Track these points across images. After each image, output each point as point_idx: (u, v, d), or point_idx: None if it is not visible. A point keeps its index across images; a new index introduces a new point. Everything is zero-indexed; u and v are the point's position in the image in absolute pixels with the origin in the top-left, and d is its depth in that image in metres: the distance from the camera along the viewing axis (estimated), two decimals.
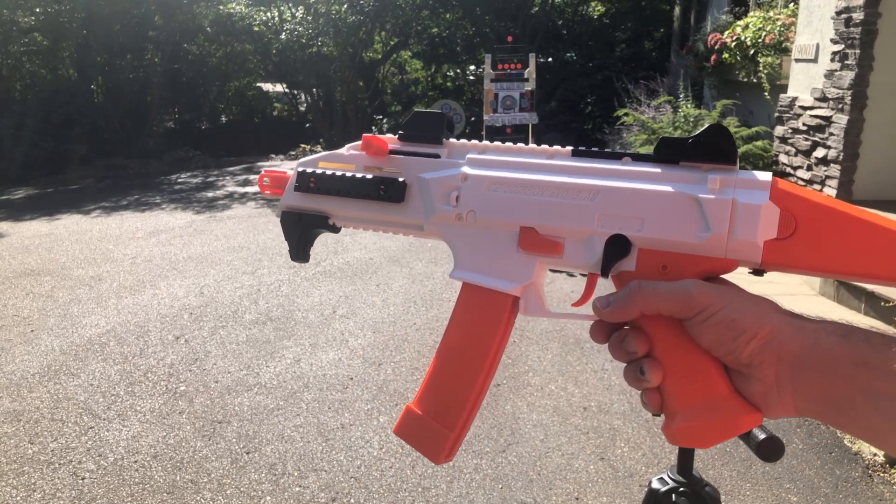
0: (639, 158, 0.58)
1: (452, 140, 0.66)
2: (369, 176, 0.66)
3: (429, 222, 0.64)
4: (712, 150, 0.54)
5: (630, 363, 0.55)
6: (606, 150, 0.60)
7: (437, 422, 0.61)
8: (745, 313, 0.50)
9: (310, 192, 0.69)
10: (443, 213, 0.63)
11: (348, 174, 0.67)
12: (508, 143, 0.64)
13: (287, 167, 0.73)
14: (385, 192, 0.65)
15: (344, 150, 0.70)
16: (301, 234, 0.70)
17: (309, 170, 0.69)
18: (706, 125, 0.56)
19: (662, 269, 0.55)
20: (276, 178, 0.72)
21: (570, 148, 0.61)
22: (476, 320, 0.62)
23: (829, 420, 0.49)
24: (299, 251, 0.71)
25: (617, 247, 0.56)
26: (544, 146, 0.62)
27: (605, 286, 0.58)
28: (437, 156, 0.65)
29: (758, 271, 0.55)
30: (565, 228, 0.58)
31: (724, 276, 0.55)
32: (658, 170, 0.56)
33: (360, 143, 0.68)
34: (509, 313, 0.61)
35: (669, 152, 0.56)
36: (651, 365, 0.53)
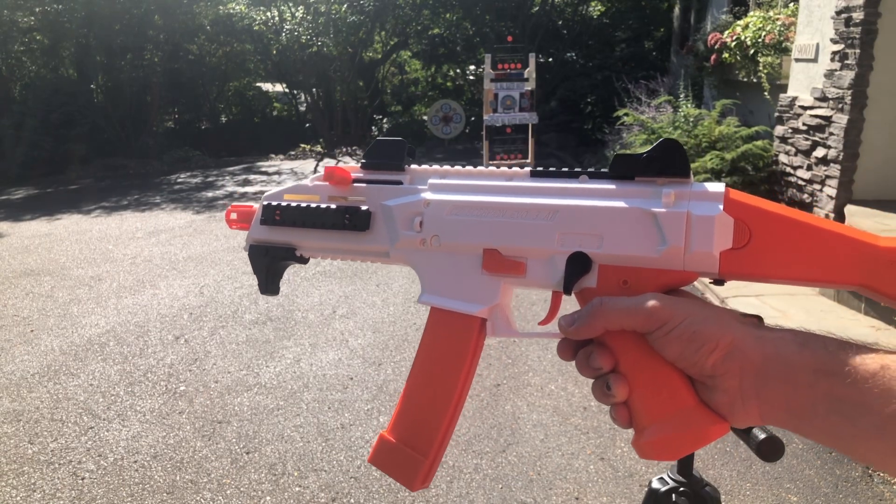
0: (595, 176, 0.59)
1: (414, 166, 0.67)
2: (334, 206, 0.67)
3: (394, 248, 0.64)
4: (666, 164, 0.56)
5: (597, 379, 0.55)
6: (564, 169, 0.61)
7: (412, 449, 0.61)
8: (706, 325, 0.51)
9: (276, 225, 0.69)
10: (407, 238, 0.63)
11: (313, 205, 0.68)
12: (469, 167, 0.65)
13: (254, 202, 0.74)
14: (350, 221, 0.65)
15: (308, 182, 0.70)
16: (269, 266, 0.70)
17: (274, 203, 0.70)
18: (659, 140, 0.57)
19: (623, 283, 0.56)
20: (242, 213, 0.73)
21: (528, 169, 0.62)
22: (445, 344, 0.62)
23: (794, 427, 0.49)
24: (268, 284, 0.71)
25: (578, 264, 0.57)
26: (503, 168, 0.64)
27: (570, 303, 0.59)
28: (399, 182, 0.66)
29: (718, 281, 0.55)
30: (527, 248, 0.59)
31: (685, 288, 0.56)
32: (614, 186, 0.58)
33: (323, 174, 0.68)
34: (477, 335, 0.61)
35: (624, 168, 0.57)
36: (616, 380, 0.54)
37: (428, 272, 0.63)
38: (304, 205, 0.68)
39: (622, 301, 0.53)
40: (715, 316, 0.52)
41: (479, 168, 0.64)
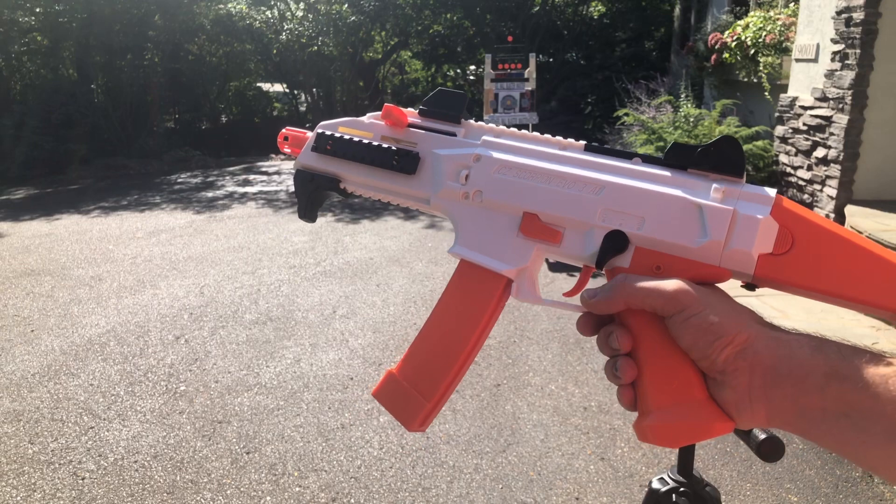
0: (649, 160, 0.60)
1: (471, 121, 0.68)
2: (385, 145, 0.68)
3: (436, 196, 0.65)
4: (721, 160, 0.56)
5: (611, 358, 0.56)
6: (619, 148, 0.61)
7: (416, 390, 0.62)
8: (725, 318, 0.51)
9: (326, 154, 0.71)
10: (450, 189, 0.64)
11: (365, 141, 0.69)
12: (524, 131, 0.66)
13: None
14: (398, 162, 0.67)
15: (365, 118, 0.72)
16: (311, 193, 0.72)
17: (328, 132, 0.71)
18: (718, 135, 0.57)
19: (656, 269, 0.56)
20: (295, 138, 0.75)
21: (583, 142, 0.63)
22: (468, 296, 0.63)
23: (801, 431, 0.49)
24: (307, 210, 0.73)
25: (615, 242, 0.57)
26: (558, 137, 0.64)
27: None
28: (453, 134, 0.67)
29: (749, 285, 0.56)
30: (568, 218, 0.60)
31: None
32: (667, 173, 0.58)
33: (380, 112, 0.70)
34: (501, 294, 0.62)
35: (679, 158, 0.58)
36: (624, 363, 0.54)
37: (465, 225, 0.64)
38: (356, 139, 0.70)
39: (646, 279, 0.54)
40: (734, 312, 0.52)
41: (535, 133, 0.65)
